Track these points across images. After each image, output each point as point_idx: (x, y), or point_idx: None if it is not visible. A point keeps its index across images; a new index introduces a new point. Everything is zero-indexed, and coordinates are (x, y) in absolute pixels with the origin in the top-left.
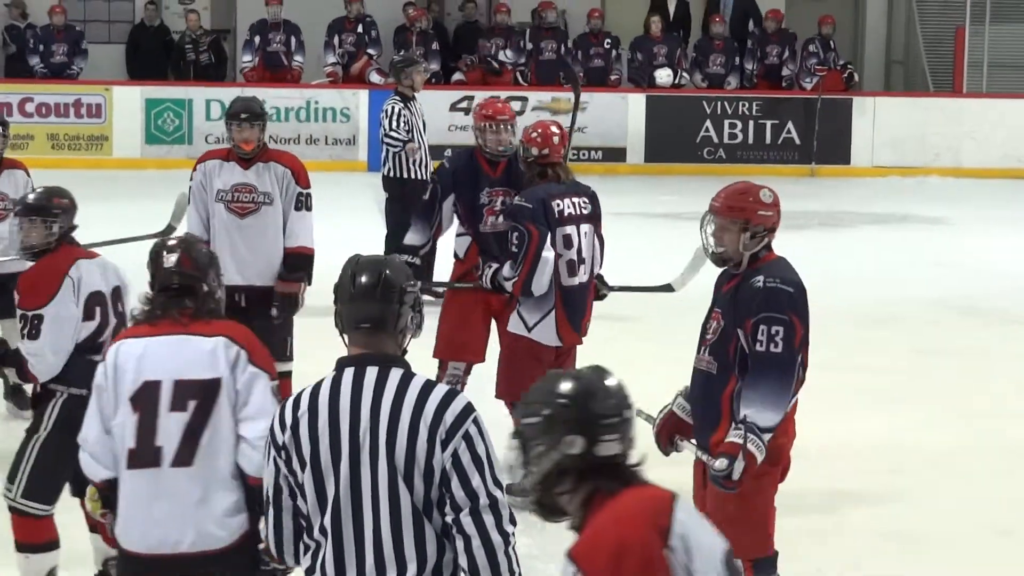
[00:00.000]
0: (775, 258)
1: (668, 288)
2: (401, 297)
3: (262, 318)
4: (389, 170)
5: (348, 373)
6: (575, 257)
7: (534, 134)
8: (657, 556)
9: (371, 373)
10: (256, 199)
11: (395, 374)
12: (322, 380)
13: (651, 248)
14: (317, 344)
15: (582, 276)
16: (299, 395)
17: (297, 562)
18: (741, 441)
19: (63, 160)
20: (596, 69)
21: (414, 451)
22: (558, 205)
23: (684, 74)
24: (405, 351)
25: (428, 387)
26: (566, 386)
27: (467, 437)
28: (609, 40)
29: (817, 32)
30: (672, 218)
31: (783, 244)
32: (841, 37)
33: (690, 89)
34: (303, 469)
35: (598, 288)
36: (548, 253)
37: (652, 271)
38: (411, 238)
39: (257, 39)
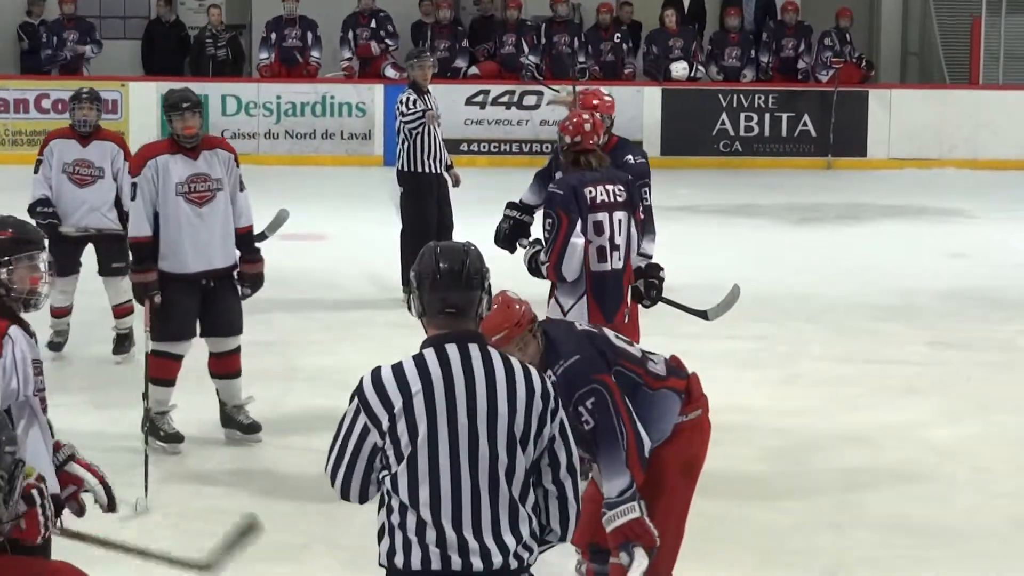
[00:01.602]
0: (549, 340)
1: (703, 315)
2: (482, 283)
3: (220, 299)
4: (403, 164)
5: (451, 349)
6: (606, 244)
7: (567, 123)
8: None
9: (474, 349)
10: (211, 187)
11: (494, 352)
12: (416, 356)
13: (669, 241)
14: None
15: (614, 263)
16: (399, 371)
17: (362, 501)
18: (615, 524)
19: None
20: (611, 63)
21: (530, 419)
22: (590, 192)
23: (700, 67)
24: None
25: (522, 363)
26: None
27: (561, 408)
28: (619, 34)
29: (834, 25)
30: (689, 211)
31: (801, 237)
32: (857, 29)
33: (706, 82)
34: (414, 442)
35: (637, 293)
36: (577, 239)
37: (669, 265)
38: (528, 197)
39: (273, 35)
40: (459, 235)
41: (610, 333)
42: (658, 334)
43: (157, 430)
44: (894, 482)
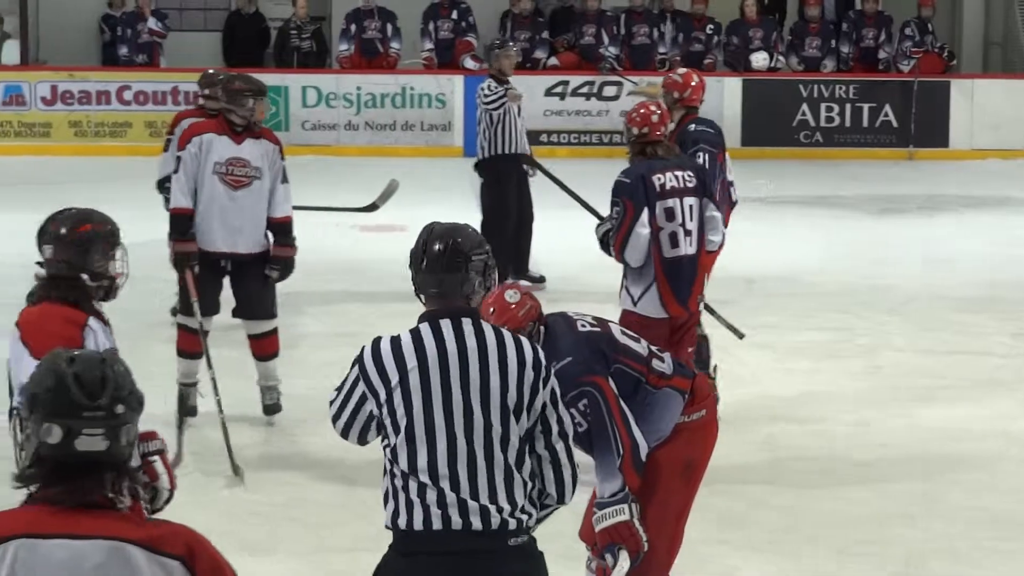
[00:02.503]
0: (547, 340)
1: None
2: (467, 264)
3: (249, 282)
4: (483, 153)
5: (445, 323)
6: (678, 229)
7: (635, 115)
8: None
9: (467, 324)
10: (248, 173)
11: (487, 326)
12: (413, 330)
13: (749, 232)
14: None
15: (687, 248)
16: (396, 346)
17: (362, 444)
18: (602, 524)
19: (161, 147)
20: (694, 53)
21: (522, 389)
22: (659, 179)
23: (780, 57)
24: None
25: (513, 334)
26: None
27: (552, 377)
28: (712, 26)
29: (915, 14)
30: (769, 202)
31: (882, 228)
32: (938, 19)
33: (786, 72)
34: (409, 414)
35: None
36: (642, 229)
37: (749, 255)
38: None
39: (353, 27)
40: (538, 225)
41: (616, 330)
42: (739, 325)
43: (182, 400)
44: (974, 474)
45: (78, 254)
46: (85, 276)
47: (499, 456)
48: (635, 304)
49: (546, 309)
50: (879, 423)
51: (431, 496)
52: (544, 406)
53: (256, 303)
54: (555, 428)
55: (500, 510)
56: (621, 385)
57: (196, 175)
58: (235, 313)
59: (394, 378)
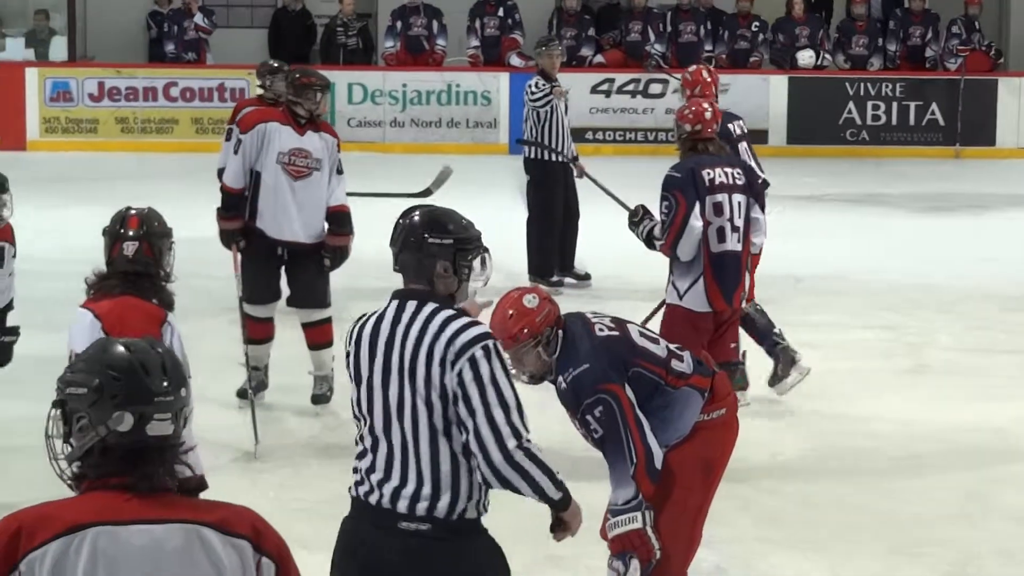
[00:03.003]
0: (564, 345)
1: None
2: (422, 245)
3: (304, 271)
4: (530, 151)
5: (392, 305)
6: (726, 224)
7: (687, 112)
8: None
9: (410, 306)
10: (310, 164)
11: (428, 307)
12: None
13: (795, 230)
14: None
15: (733, 244)
16: (356, 324)
17: None
18: (615, 532)
19: (208, 144)
20: (739, 51)
21: (430, 373)
22: (708, 174)
23: (826, 55)
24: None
25: (453, 318)
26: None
27: (472, 360)
28: (757, 23)
29: (962, 12)
30: (815, 200)
31: (929, 227)
32: (985, 17)
33: (832, 71)
34: (358, 386)
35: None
36: (696, 222)
37: (797, 253)
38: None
39: (399, 24)
40: (584, 223)
41: (634, 331)
42: (785, 325)
43: (250, 383)
44: None
45: (158, 251)
46: (162, 274)
47: (425, 440)
48: (681, 298)
49: (592, 307)
50: (927, 422)
51: (375, 478)
52: (455, 388)
53: (310, 291)
54: (464, 410)
55: (434, 495)
56: (639, 388)
57: (253, 160)
58: (290, 302)
59: (345, 356)
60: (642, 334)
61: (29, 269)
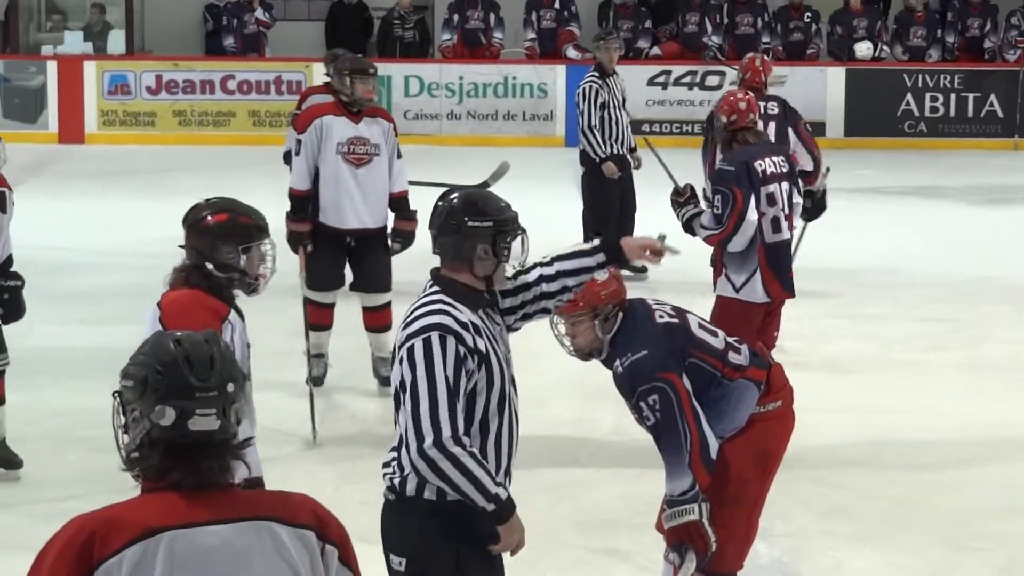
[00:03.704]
0: (623, 327)
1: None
2: (459, 229)
3: (369, 255)
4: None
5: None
6: (780, 214)
7: (723, 103)
8: None
9: (425, 288)
10: (369, 151)
11: (426, 291)
12: None
13: (853, 222)
14: None
15: (786, 233)
16: None
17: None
18: (672, 523)
19: (265, 136)
20: (795, 43)
21: (395, 357)
22: (760, 165)
23: (884, 47)
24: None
25: (422, 305)
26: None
27: (410, 349)
28: (810, 14)
29: (1022, 3)
30: (873, 193)
31: (987, 220)
32: None
33: (890, 62)
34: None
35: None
36: (752, 215)
37: (854, 246)
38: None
39: (456, 17)
40: (641, 216)
41: (694, 322)
42: (842, 317)
43: (310, 369)
44: None
45: (206, 243)
46: (211, 266)
47: (401, 423)
48: (737, 291)
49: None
50: (986, 414)
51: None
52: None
53: (375, 276)
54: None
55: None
56: (695, 379)
57: (316, 157)
58: (353, 286)
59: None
60: (701, 325)
61: (95, 263)
